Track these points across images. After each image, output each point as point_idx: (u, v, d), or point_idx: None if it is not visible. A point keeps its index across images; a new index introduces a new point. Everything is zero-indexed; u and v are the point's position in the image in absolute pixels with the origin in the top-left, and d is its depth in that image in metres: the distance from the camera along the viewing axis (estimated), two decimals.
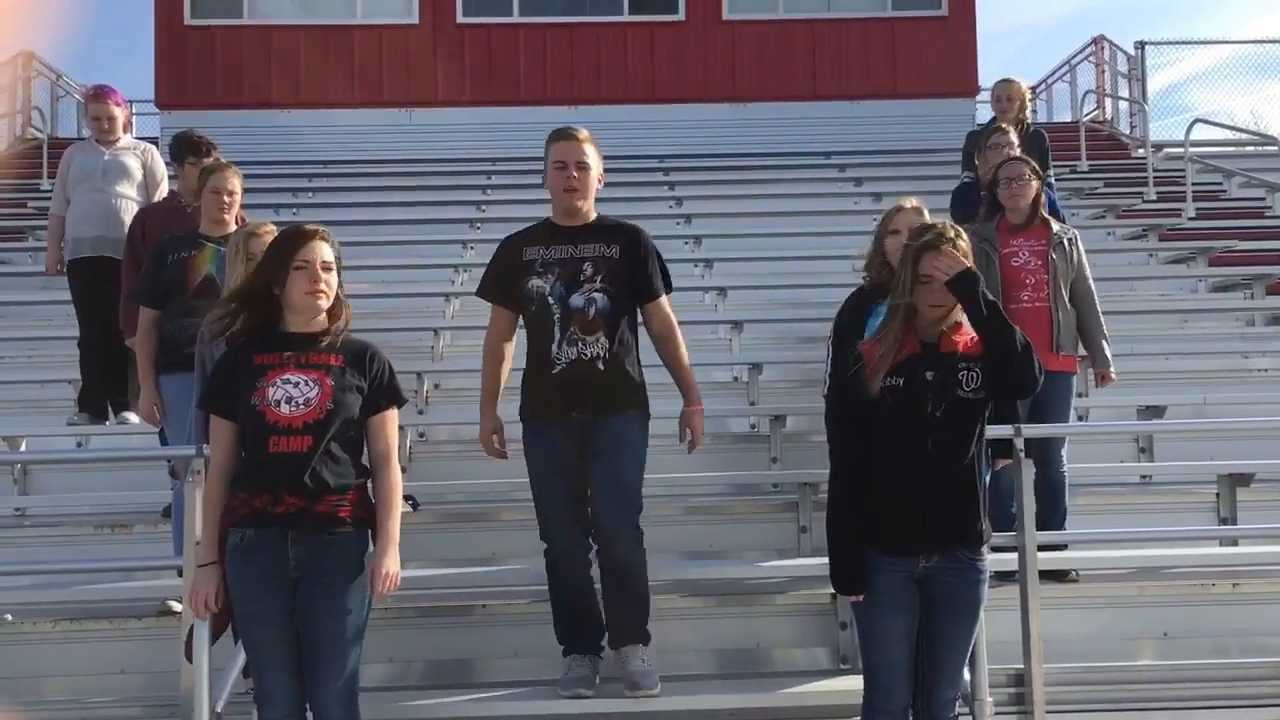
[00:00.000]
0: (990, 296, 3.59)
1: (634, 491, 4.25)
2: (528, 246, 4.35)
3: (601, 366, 4.18)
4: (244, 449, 3.56)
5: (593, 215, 4.38)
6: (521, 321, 4.37)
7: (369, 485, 3.61)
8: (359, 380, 3.58)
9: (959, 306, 3.60)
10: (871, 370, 3.55)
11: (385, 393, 3.64)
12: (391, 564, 3.51)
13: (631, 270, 4.29)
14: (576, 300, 4.19)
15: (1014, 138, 6.41)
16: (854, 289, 4.81)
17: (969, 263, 3.61)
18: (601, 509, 4.19)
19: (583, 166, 4.30)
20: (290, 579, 3.47)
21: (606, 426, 4.19)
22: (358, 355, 3.62)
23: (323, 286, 3.57)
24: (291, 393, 3.48)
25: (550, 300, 4.23)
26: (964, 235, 3.66)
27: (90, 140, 6.73)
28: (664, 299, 4.39)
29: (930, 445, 3.52)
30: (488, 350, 4.43)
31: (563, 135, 4.36)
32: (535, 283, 4.26)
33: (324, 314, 3.62)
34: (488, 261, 4.53)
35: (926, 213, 4.53)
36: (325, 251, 3.60)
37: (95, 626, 4.76)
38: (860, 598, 3.58)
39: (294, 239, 3.61)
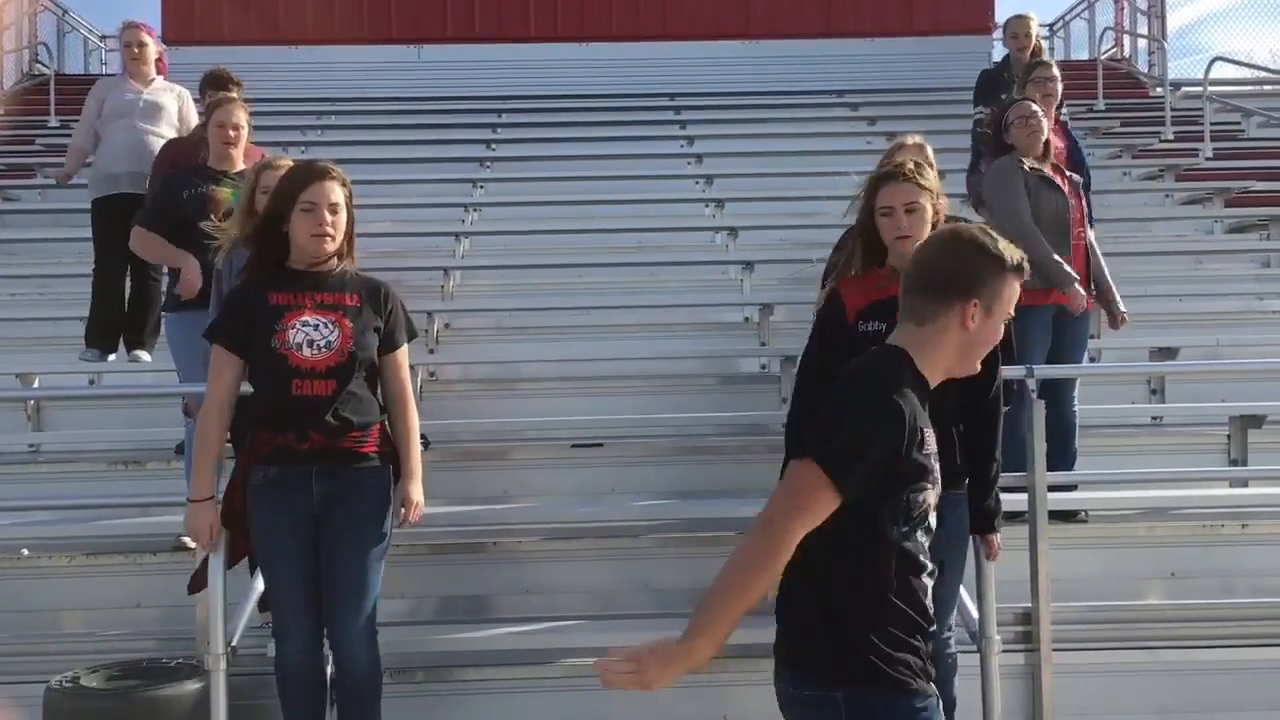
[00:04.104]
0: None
1: None
2: None
3: None
4: (263, 390, 3.55)
5: None
6: None
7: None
8: (376, 320, 3.58)
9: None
10: (850, 306, 3.49)
11: (400, 329, 3.65)
12: (416, 493, 3.59)
13: None
14: None
15: (1057, 72, 6.19)
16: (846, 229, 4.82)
17: (935, 189, 3.51)
18: None
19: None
20: (313, 514, 3.50)
21: None
22: (372, 293, 3.61)
23: (328, 230, 3.52)
24: (312, 335, 3.47)
25: None
26: (925, 167, 3.58)
27: (123, 77, 6.66)
28: None
29: None
30: None
31: None
32: None
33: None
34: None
35: (930, 151, 4.48)
36: (334, 193, 3.55)
37: (110, 561, 4.81)
38: None
39: (303, 177, 3.56)
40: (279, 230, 3.57)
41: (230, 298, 3.68)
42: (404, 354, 3.68)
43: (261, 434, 3.52)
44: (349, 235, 3.63)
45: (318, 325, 3.49)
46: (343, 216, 3.58)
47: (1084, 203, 5.27)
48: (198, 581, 3.77)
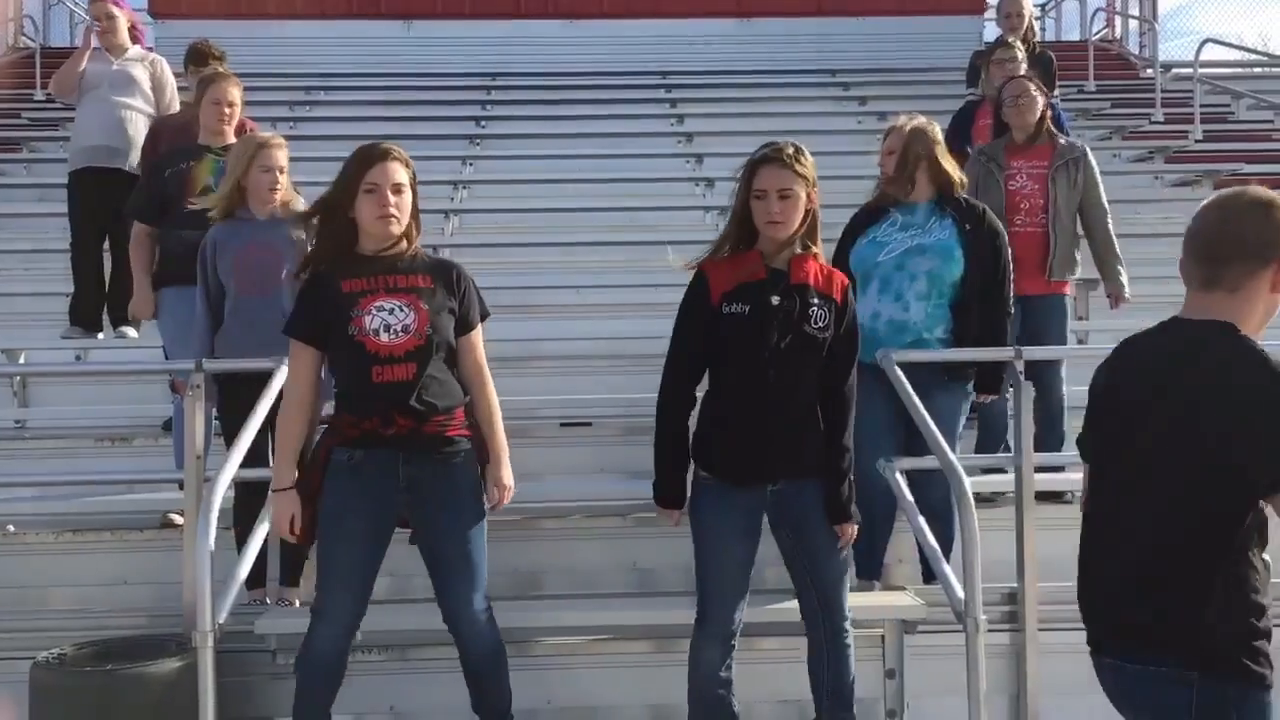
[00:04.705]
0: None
1: None
2: None
3: None
4: (344, 378, 3.54)
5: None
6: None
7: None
8: (450, 301, 3.56)
9: (802, 233, 3.50)
10: (715, 287, 3.49)
11: (474, 310, 3.64)
12: (507, 475, 3.60)
13: None
14: None
15: (1020, 54, 6.32)
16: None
17: (810, 177, 3.48)
18: None
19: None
20: (398, 501, 3.49)
21: None
22: (444, 274, 3.60)
23: (393, 210, 3.49)
24: (389, 320, 3.44)
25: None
26: (805, 154, 3.53)
27: (101, 50, 6.62)
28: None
29: (772, 377, 3.45)
30: None
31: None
32: None
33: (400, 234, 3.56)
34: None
35: (937, 130, 4.46)
36: (397, 173, 3.52)
37: (97, 538, 4.79)
38: (673, 516, 3.61)
39: (363, 160, 3.53)
40: (345, 217, 3.53)
41: (304, 289, 3.62)
42: (479, 334, 3.66)
43: (346, 416, 3.50)
44: (414, 216, 3.60)
45: (393, 309, 3.46)
46: (407, 197, 3.55)
47: (1048, 186, 5.23)
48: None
